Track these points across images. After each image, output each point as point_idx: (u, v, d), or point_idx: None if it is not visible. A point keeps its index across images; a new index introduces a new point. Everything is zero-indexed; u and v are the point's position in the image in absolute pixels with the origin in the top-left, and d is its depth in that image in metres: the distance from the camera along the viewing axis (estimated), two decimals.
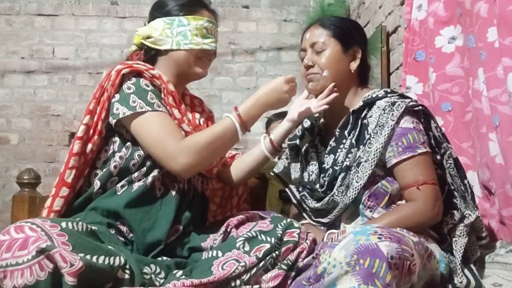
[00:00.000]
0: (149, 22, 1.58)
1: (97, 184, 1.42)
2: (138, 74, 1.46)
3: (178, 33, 1.52)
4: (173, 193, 1.44)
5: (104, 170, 1.43)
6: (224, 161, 1.64)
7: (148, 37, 1.54)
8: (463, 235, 1.44)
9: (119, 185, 1.41)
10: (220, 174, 1.63)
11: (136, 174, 1.41)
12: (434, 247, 1.38)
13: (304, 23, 3.97)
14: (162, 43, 1.53)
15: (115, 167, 1.42)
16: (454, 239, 1.44)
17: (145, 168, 1.42)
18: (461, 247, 1.42)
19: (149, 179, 1.41)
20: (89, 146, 1.42)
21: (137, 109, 1.39)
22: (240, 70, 4.07)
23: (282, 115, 2.37)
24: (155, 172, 1.42)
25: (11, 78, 3.97)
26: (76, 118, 3.94)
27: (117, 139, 1.45)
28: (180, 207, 1.44)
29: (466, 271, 1.42)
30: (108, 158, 1.44)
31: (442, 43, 2.01)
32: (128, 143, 1.43)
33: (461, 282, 1.37)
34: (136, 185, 1.41)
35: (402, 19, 2.47)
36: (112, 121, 1.42)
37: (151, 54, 1.54)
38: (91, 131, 1.41)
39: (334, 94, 1.50)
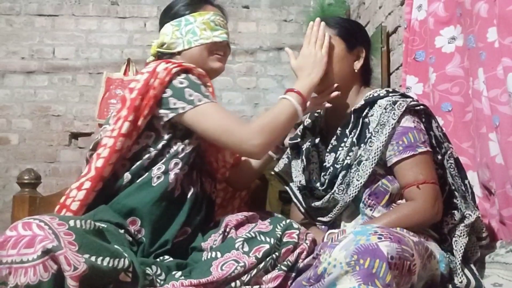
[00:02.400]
0: (159, 30, 1.61)
1: (127, 177, 1.41)
2: (186, 71, 1.46)
3: (187, 32, 1.54)
4: (188, 195, 1.44)
5: (137, 164, 1.42)
6: (234, 162, 1.65)
7: (162, 45, 1.57)
8: (464, 235, 1.44)
9: (140, 181, 1.41)
10: (228, 176, 1.64)
11: (155, 171, 1.41)
12: (434, 247, 1.38)
13: (304, 23, 3.98)
14: (174, 46, 1.56)
15: (149, 163, 1.42)
16: (454, 239, 1.44)
17: (166, 166, 1.42)
18: (461, 247, 1.42)
19: (170, 178, 1.41)
20: (127, 141, 1.41)
21: (195, 102, 1.40)
22: (240, 70, 4.07)
23: None
24: (176, 170, 1.42)
25: (12, 78, 3.97)
26: (76, 118, 3.94)
27: (152, 134, 1.44)
28: (192, 210, 1.44)
29: (466, 271, 1.42)
30: (139, 151, 1.44)
31: (442, 43, 2.02)
32: (164, 141, 1.44)
33: (461, 282, 1.37)
34: (156, 183, 1.40)
35: (402, 19, 2.47)
36: (169, 115, 1.41)
37: (165, 59, 1.54)
38: (132, 127, 1.40)
39: (336, 92, 1.52)
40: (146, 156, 1.42)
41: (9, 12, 4.03)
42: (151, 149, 1.43)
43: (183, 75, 1.44)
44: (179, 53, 1.55)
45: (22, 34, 4.02)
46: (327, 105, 1.54)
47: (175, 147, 1.44)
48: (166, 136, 1.44)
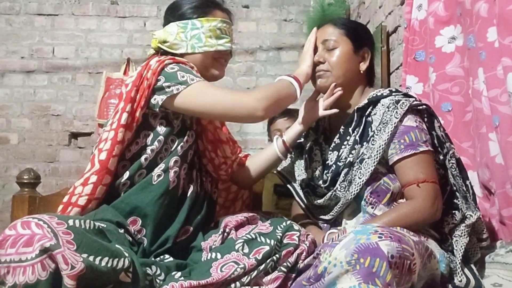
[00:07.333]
0: (164, 26, 1.59)
1: (125, 175, 1.41)
2: (178, 63, 1.46)
3: (192, 37, 1.53)
4: (188, 194, 1.45)
5: (135, 162, 1.42)
6: (239, 161, 1.66)
7: (164, 42, 1.55)
8: (464, 235, 1.44)
9: (142, 180, 1.41)
10: (233, 174, 1.64)
11: (156, 170, 1.42)
12: (434, 247, 1.38)
13: (304, 23, 3.97)
14: (177, 47, 1.54)
15: (145, 159, 1.42)
16: (455, 239, 1.44)
17: (165, 164, 1.42)
18: (461, 246, 1.42)
19: (170, 176, 1.41)
20: (127, 133, 1.41)
21: (189, 82, 1.40)
22: (240, 70, 4.06)
23: (285, 112, 2.37)
24: (176, 169, 1.43)
25: (11, 78, 3.97)
26: (76, 118, 3.94)
27: (150, 133, 1.44)
28: (192, 208, 1.45)
29: (466, 270, 1.42)
30: (138, 151, 1.44)
31: (442, 43, 2.01)
32: (161, 137, 1.44)
33: (460, 281, 1.37)
34: (156, 181, 1.41)
35: (402, 19, 2.47)
36: (164, 98, 1.40)
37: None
38: (130, 118, 1.41)
39: (338, 93, 1.52)
40: (144, 154, 1.42)
41: (9, 12, 4.02)
42: (149, 147, 1.43)
43: (175, 64, 1.44)
44: (181, 55, 1.54)
45: (21, 33, 4.01)
46: (334, 110, 1.54)
47: (173, 145, 1.44)
48: (162, 132, 1.44)
